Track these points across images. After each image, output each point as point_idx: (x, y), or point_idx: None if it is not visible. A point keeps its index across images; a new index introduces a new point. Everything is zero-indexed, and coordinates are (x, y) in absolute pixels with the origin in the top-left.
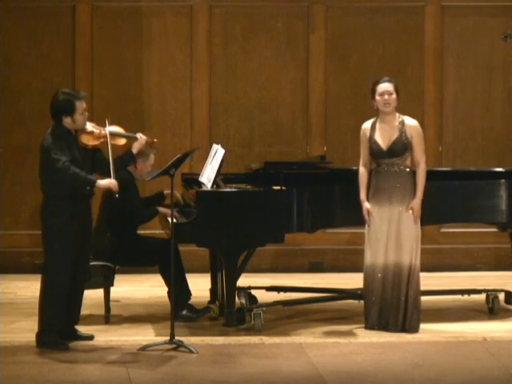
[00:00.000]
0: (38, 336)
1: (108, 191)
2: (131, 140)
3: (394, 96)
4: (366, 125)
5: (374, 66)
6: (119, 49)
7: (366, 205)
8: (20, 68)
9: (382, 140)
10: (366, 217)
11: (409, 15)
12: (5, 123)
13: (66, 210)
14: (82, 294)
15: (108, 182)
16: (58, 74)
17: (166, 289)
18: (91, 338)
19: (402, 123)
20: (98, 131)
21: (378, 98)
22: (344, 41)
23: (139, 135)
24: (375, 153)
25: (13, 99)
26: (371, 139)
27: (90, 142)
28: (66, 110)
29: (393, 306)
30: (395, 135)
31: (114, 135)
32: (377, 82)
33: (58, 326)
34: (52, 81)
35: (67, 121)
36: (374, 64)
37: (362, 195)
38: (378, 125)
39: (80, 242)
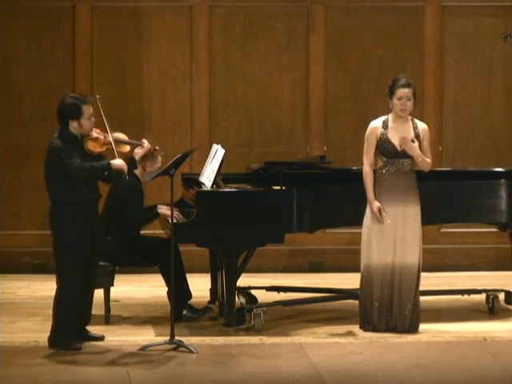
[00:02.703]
0: (51, 337)
1: (119, 171)
2: (135, 146)
3: (412, 101)
4: (376, 123)
5: (374, 66)
6: (119, 49)
7: (377, 203)
8: (20, 68)
9: (397, 140)
10: (378, 215)
11: (409, 15)
12: (5, 123)
13: (76, 215)
14: (93, 295)
15: (122, 163)
16: (58, 74)
17: (166, 289)
18: (102, 338)
19: (416, 125)
20: (102, 138)
21: (395, 101)
22: (344, 41)
23: (144, 141)
24: (388, 152)
25: (13, 99)
26: (383, 138)
27: (96, 148)
28: (73, 115)
29: (402, 307)
30: (411, 136)
31: (118, 142)
32: (396, 83)
33: (71, 327)
34: (52, 81)
35: (74, 125)
36: (374, 64)
37: (371, 194)
38: (391, 124)
39: (91, 244)
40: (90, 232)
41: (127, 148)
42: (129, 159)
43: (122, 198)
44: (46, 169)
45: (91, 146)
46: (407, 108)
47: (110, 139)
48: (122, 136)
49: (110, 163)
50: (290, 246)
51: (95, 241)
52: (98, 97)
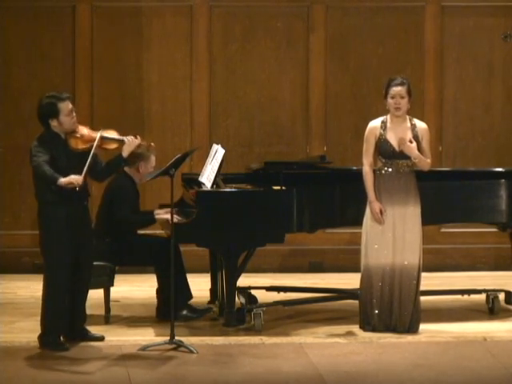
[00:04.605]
0: (40, 338)
1: (71, 187)
2: (122, 143)
3: (406, 99)
4: (375, 123)
5: (373, 66)
6: (119, 49)
7: (378, 204)
8: (20, 68)
9: (395, 140)
10: (379, 215)
11: (409, 15)
12: (5, 123)
13: (60, 214)
14: (87, 294)
15: (68, 179)
16: (57, 74)
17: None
18: (102, 338)
19: (414, 125)
20: (88, 135)
21: (389, 100)
22: (344, 41)
23: (128, 138)
24: (387, 153)
25: (13, 99)
26: (382, 139)
27: (79, 145)
28: (51, 114)
29: (402, 307)
30: (409, 137)
31: (104, 139)
32: (390, 82)
33: (59, 327)
34: (52, 81)
35: (54, 124)
36: (374, 64)
37: (372, 195)
38: (389, 125)
39: (79, 243)
40: (76, 232)
41: (113, 145)
42: (116, 157)
43: (113, 198)
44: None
45: (73, 143)
46: (401, 106)
47: (95, 136)
48: (109, 134)
49: (57, 180)
50: (289, 246)
51: (84, 241)
52: (99, 133)
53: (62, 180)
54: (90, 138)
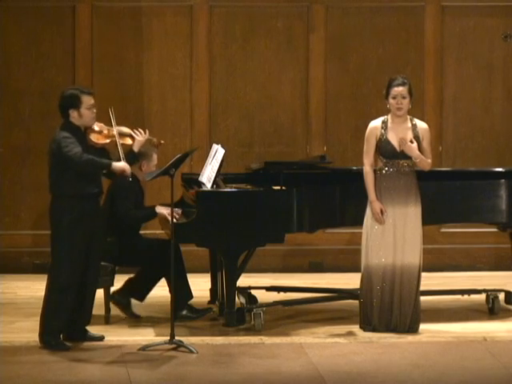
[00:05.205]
0: (41, 336)
1: (121, 174)
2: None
3: (407, 100)
4: (376, 123)
5: (373, 66)
6: (119, 49)
7: (379, 204)
8: (20, 68)
9: (396, 140)
10: (379, 216)
11: (409, 15)
12: (5, 123)
13: (74, 209)
14: (94, 294)
15: (123, 164)
16: (58, 74)
17: (167, 288)
18: (102, 338)
19: (415, 125)
20: (106, 130)
21: (391, 100)
22: (344, 41)
23: (137, 132)
24: (388, 153)
25: (13, 99)
26: (383, 139)
27: (100, 140)
28: (73, 104)
29: (402, 307)
30: (409, 136)
31: (121, 134)
32: (391, 83)
33: (60, 326)
34: (52, 81)
35: (74, 115)
36: (374, 64)
37: (373, 195)
38: (390, 125)
39: (88, 241)
40: (88, 229)
41: (129, 140)
42: (129, 153)
43: (115, 196)
44: (49, 160)
45: (94, 137)
46: (403, 106)
47: (114, 132)
48: (124, 129)
49: (111, 164)
50: (289, 246)
51: (94, 240)
52: (111, 109)
53: (117, 164)
54: (108, 133)
